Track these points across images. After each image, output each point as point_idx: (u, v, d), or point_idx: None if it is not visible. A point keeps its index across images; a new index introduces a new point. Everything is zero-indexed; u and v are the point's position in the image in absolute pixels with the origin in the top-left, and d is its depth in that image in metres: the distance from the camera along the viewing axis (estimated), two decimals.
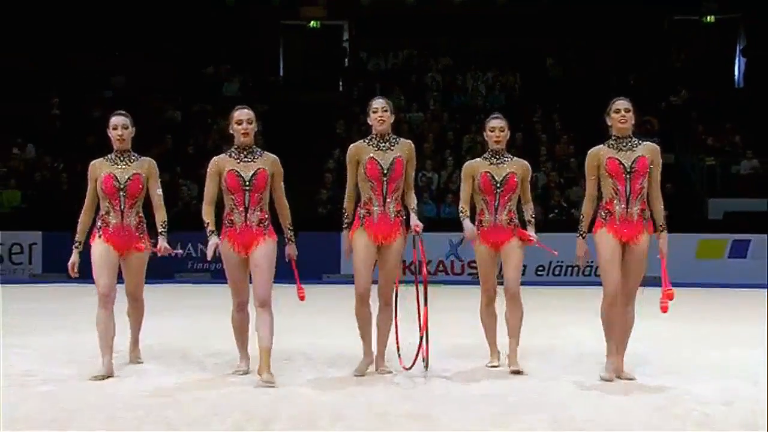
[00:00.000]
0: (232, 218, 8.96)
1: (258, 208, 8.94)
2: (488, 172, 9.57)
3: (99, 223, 9.32)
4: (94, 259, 9.20)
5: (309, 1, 31.82)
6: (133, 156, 9.43)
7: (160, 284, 17.68)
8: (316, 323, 13.12)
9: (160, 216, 9.46)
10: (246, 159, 8.96)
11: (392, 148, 9.20)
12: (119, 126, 9.33)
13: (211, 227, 8.91)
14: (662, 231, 9.08)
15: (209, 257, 8.93)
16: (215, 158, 9.11)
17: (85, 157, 11.03)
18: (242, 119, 8.96)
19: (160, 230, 9.44)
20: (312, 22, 32.20)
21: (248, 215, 8.93)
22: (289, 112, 27.68)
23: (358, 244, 9.20)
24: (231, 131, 9.07)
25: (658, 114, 28.59)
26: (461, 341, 11.19)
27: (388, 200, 9.17)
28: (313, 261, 19.23)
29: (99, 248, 9.22)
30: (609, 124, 9.12)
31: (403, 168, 9.19)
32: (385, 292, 9.27)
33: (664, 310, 8.75)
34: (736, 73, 30.78)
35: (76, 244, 9.33)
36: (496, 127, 9.67)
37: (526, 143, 26.42)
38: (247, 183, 8.90)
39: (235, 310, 9.27)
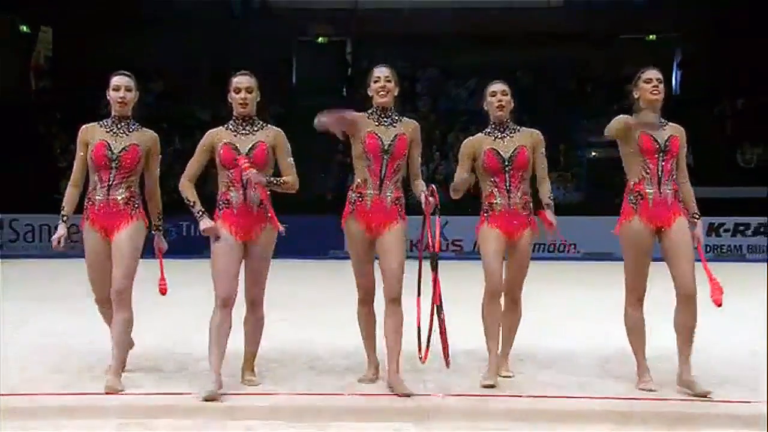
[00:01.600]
0: (228, 198, 6.78)
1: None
2: (493, 148, 7.14)
3: (86, 203, 6.90)
4: (85, 256, 6.96)
5: (318, 20, 31.54)
6: (133, 125, 7.00)
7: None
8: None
9: (155, 205, 7.20)
10: (244, 131, 6.87)
11: (395, 125, 6.99)
12: (122, 87, 6.89)
13: (198, 207, 6.78)
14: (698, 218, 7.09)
15: (214, 242, 6.79)
16: (210, 131, 6.99)
17: None
18: (240, 87, 6.91)
19: (156, 224, 7.17)
20: (321, 38, 32.41)
21: (247, 194, 6.75)
22: (301, 114, 26.88)
23: (351, 236, 6.96)
24: (229, 100, 6.96)
25: (610, 116, 28.42)
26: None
27: (386, 183, 6.83)
28: (322, 239, 19.12)
29: (87, 243, 6.93)
30: (636, 96, 7.12)
31: (406, 147, 6.92)
32: (391, 285, 6.85)
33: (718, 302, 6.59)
34: (674, 82, 30.44)
35: (63, 217, 6.90)
36: (498, 91, 7.21)
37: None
38: (243, 158, 6.76)
39: (217, 307, 6.75)
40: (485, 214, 7.22)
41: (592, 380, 7.37)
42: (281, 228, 6.82)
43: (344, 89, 29.73)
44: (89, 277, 6.95)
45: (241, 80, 6.95)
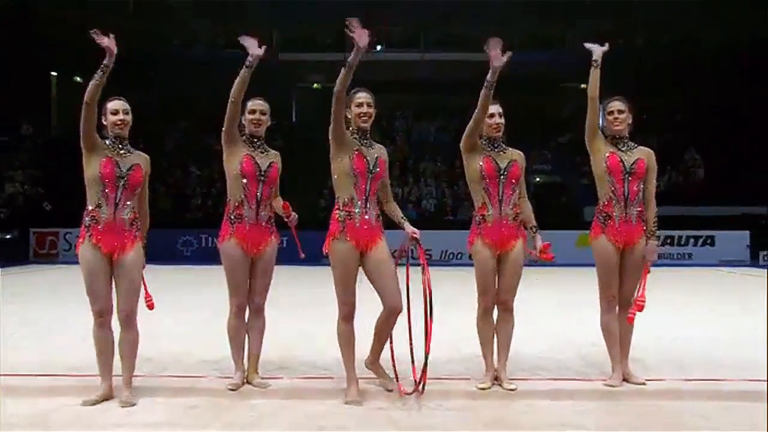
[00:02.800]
0: (241, 213, 6.14)
1: (269, 203, 6.28)
2: (491, 157, 6.38)
3: (87, 220, 5.80)
4: (83, 269, 5.78)
5: (314, 70, 31.70)
6: (129, 146, 6.00)
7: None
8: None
9: (145, 223, 6.07)
10: (260, 149, 6.31)
11: (373, 147, 6.17)
12: (120, 110, 5.97)
13: (247, 61, 6.31)
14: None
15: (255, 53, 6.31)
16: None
17: None
18: (255, 109, 6.41)
19: (143, 243, 6.03)
20: (316, 84, 32.48)
21: (259, 210, 6.18)
22: (299, 147, 27.24)
23: (340, 254, 5.92)
24: (243, 122, 6.36)
25: (550, 150, 28.65)
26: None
27: (369, 200, 5.98)
28: (314, 251, 19.05)
29: (87, 255, 5.76)
30: (603, 125, 6.58)
31: (385, 169, 6.14)
32: (395, 298, 5.93)
33: (630, 320, 6.38)
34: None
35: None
36: (495, 113, 6.55)
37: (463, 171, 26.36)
38: (263, 173, 6.20)
39: (232, 315, 6.23)
40: (478, 227, 6.35)
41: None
42: (302, 255, 6.49)
43: None
44: (91, 291, 5.77)
45: (257, 103, 6.48)
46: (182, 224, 24.27)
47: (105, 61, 5.73)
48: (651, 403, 5.86)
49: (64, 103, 32.50)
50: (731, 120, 29.29)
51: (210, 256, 22.68)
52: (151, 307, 6.18)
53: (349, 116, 6.15)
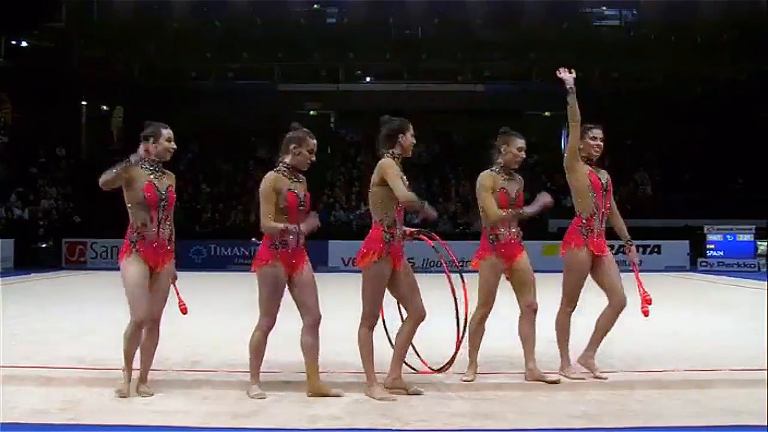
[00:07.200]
0: (285, 239, 5.59)
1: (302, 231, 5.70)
2: (504, 188, 6.20)
3: (134, 236, 5.60)
4: (129, 280, 5.54)
5: (311, 99, 31.69)
6: (162, 168, 5.81)
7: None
8: None
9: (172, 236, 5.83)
10: (298, 180, 5.69)
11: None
12: (172, 138, 5.79)
13: (290, 226, 5.53)
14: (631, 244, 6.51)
15: (307, 229, 5.62)
16: (272, 176, 5.61)
17: None
18: (313, 149, 5.75)
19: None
20: (312, 111, 32.37)
21: (299, 236, 5.66)
22: None
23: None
24: (295, 152, 5.67)
25: (518, 170, 28.71)
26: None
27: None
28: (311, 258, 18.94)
29: (135, 267, 5.55)
30: (580, 146, 6.34)
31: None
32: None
33: (646, 313, 6.29)
34: (563, 145, 30.61)
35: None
36: (523, 148, 6.32)
37: (441, 189, 26.42)
38: (302, 203, 5.68)
39: (262, 332, 5.61)
40: (491, 244, 6.18)
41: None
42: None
43: (329, 148, 29.42)
44: (136, 300, 5.52)
45: (315, 144, 5.80)
46: (194, 236, 24.30)
47: (132, 159, 5.58)
48: (607, 393, 5.86)
49: (91, 129, 32.96)
50: (675, 146, 29.60)
51: (218, 264, 22.86)
52: (184, 311, 6.04)
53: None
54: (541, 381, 6.09)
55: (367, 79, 32.61)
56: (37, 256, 23.18)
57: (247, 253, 22.57)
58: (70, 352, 7.50)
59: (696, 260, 23.79)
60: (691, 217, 24.82)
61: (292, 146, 5.70)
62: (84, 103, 32.37)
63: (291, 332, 5.93)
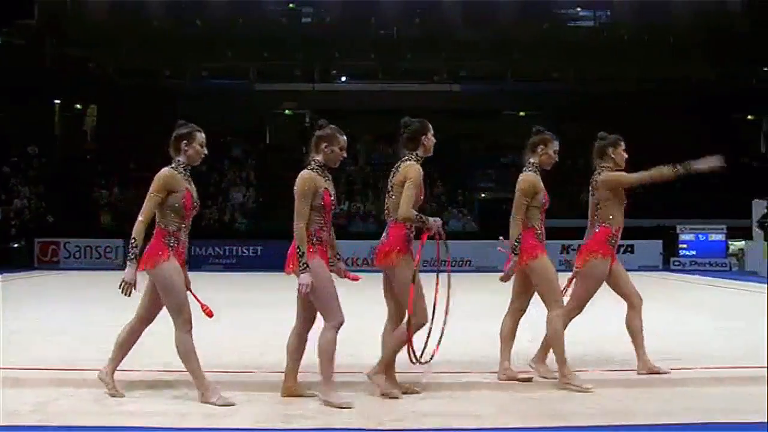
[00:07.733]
0: (321, 236, 5.45)
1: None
2: (543, 189, 6.17)
3: (170, 241, 5.45)
4: (173, 284, 5.39)
5: (287, 98, 31.59)
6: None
7: None
8: None
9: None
10: (329, 179, 5.58)
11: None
12: (204, 143, 5.74)
13: (305, 258, 5.32)
14: None
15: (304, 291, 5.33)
16: (309, 175, 5.47)
17: None
18: (344, 146, 5.62)
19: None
20: (287, 110, 32.40)
21: (331, 233, 5.63)
22: (273, 165, 27.28)
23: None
24: (327, 151, 5.54)
25: (494, 169, 28.73)
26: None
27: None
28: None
29: (175, 271, 5.43)
30: (610, 154, 6.64)
31: None
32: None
33: None
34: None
35: (134, 254, 5.35)
36: (557, 150, 6.33)
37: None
38: (334, 202, 5.62)
39: (335, 332, 5.40)
40: (540, 243, 6.13)
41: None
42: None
43: (303, 148, 29.25)
44: (180, 303, 5.43)
45: (346, 141, 5.67)
46: (195, 234, 23.91)
47: (134, 251, 5.34)
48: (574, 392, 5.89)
49: (64, 128, 32.80)
50: (647, 146, 29.78)
51: (193, 264, 22.49)
52: (210, 315, 5.64)
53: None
54: (514, 380, 6.11)
55: (343, 78, 32.64)
56: (9, 256, 22.99)
57: (221, 252, 22.21)
58: (41, 352, 7.44)
59: (669, 259, 24.06)
60: (664, 216, 25.07)
61: (323, 144, 5.58)
62: (57, 101, 32.13)
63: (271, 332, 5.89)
